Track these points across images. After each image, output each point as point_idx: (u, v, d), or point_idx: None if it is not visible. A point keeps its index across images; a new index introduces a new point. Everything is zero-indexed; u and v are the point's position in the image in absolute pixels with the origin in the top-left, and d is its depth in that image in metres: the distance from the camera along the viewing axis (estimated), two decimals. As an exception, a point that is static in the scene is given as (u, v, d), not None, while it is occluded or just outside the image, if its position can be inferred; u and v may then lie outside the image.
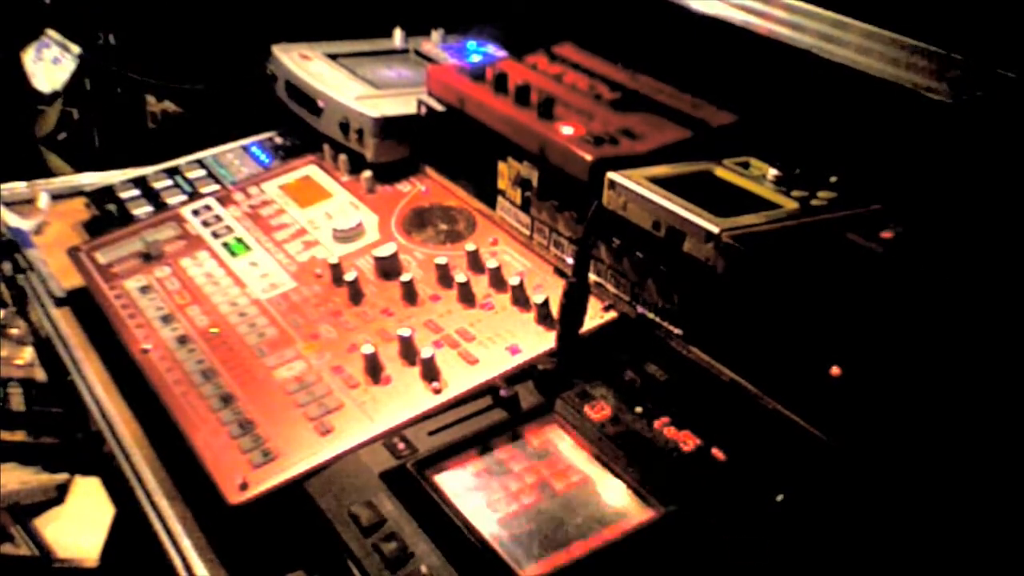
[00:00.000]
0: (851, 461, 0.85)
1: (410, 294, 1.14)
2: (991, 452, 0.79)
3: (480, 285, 1.14)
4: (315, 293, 1.17)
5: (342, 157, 1.38)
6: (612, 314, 1.08)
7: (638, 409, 0.97)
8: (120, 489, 1.05)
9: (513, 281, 1.11)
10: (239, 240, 1.28)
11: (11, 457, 1.81)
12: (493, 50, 1.53)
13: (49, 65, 1.89)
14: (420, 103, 1.31)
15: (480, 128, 1.22)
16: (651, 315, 1.04)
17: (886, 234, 0.93)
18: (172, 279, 1.22)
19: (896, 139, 1.03)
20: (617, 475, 0.90)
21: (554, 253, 1.16)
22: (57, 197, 1.48)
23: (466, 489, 0.89)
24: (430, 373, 1.02)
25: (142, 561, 1.02)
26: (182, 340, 1.11)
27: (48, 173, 1.78)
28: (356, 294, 1.15)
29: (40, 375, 1.78)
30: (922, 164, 1.00)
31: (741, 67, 1.19)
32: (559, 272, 1.15)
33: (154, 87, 1.78)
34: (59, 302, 1.28)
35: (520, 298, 1.11)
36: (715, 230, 0.92)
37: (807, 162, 1.07)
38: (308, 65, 1.46)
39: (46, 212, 1.42)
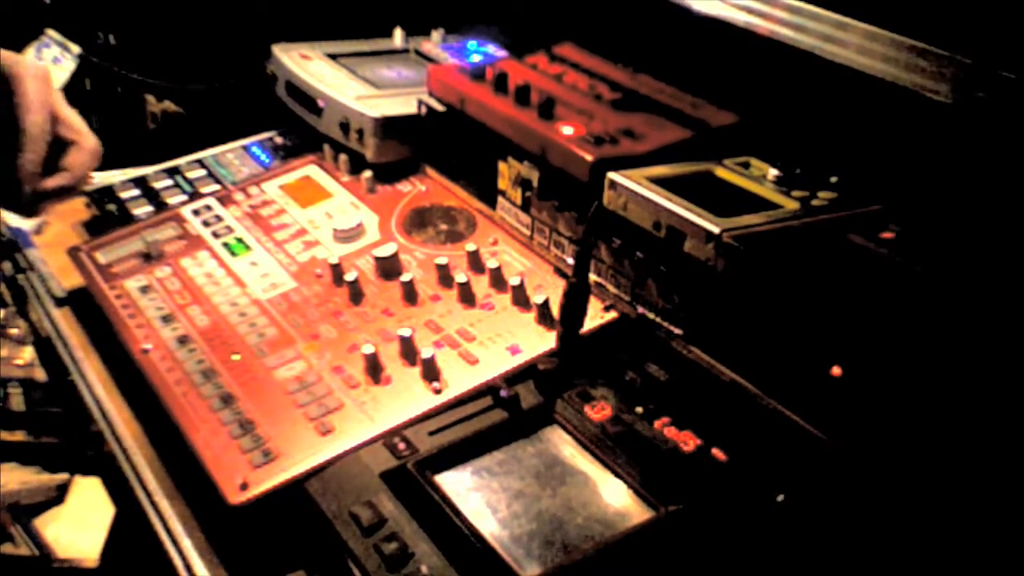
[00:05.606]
0: (851, 461, 0.85)
1: (410, 294, 1.14)
2: (991, 452, 0.79)
3: (480, 285, 1.14)
4: (315, 293, 1.17)
5: (342, 157, 1.38)
6: (612, 314, 1.08)
7: (639, 409, 0.97)
8: (120, 489, 1.05)
9: (513, 281, 1.11)
10: (239, 240, 1.28)
11: (11, 457, 1.81)
12: (493, 50, 1.53)
13: (49, 65, 1.89)
14: (420, 103, 1.31)
15: (480, 128, 1.22)
16: (651, 315, 1.04)
17: (886, 234, 0.93)
18: (172, 279, 1.22)
19: (897, 140, 1.03)
20: (617, 475, 0.90)
21: (554, 253, 1.16)
22: (57, 197, 1.48)
23: (466, 489, 0.89)
24: (430, 373, 1.02)
25: (142, 561, 1.02)
26: (182, 340, 1.11)
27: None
28: (356, 294, 1.15)
29: (40, 375, 1.78)
30: (923, 165, 1.00)
31: (742, 67, 1.19)
32: (559, 272, 1.15)
33: (154, 87, 1.78)
34: (59, 302, 1.28)
35: (520, 298, 1.11)
36: (715, 230, 0.92)
37: (808, 162, 1.07)
38: (308, 65, 1.46)
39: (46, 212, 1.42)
